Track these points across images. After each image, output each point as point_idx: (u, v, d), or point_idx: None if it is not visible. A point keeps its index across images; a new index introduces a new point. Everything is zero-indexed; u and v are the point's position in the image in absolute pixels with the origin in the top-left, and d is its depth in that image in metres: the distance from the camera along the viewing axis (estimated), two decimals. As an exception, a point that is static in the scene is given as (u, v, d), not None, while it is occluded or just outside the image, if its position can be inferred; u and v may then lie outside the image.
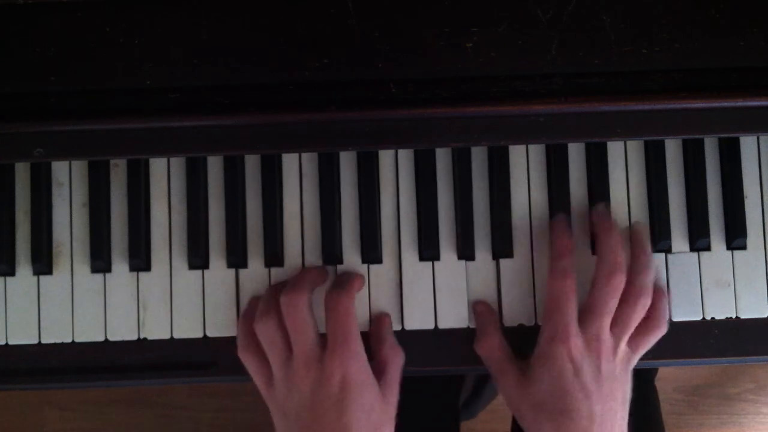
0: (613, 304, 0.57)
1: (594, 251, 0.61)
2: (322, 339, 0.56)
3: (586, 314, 0.57)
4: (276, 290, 0.58)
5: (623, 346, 0.57)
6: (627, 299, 0.58)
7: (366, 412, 0.54)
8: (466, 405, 1.18)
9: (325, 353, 0.55)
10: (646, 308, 0.58)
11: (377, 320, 0.60)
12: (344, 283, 0.58)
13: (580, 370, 0.55)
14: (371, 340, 0.59)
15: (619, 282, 0.57)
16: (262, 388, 0.58)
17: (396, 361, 0.58)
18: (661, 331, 0.59)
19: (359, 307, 0.61)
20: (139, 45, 0.54)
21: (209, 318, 0.61)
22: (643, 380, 0.85)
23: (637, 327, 0.58)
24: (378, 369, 0.57)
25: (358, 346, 0.55)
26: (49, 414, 1.38)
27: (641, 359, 0.60)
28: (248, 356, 0.58)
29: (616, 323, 0.57)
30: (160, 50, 0.54)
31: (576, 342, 0.56)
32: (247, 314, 0.59)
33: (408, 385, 0.77)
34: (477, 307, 0.60)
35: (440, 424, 0.84)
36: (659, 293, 0.60)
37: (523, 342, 0.59)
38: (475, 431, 1.34)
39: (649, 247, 0.60)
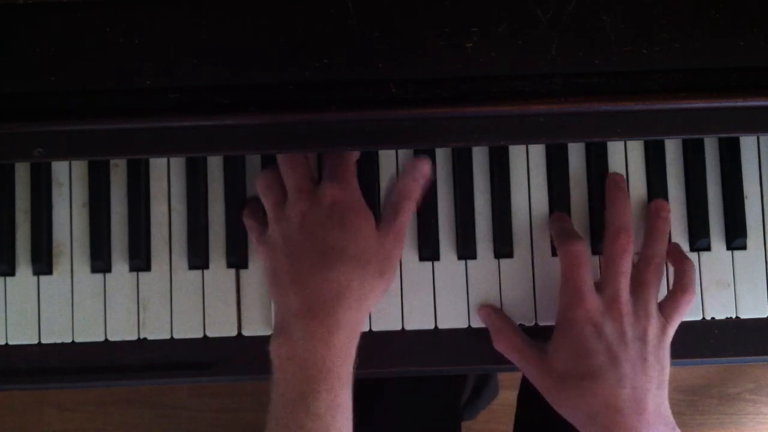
0: (625, 263, 0.56)
1: (594, 252, 0.61)
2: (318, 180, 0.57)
3: (602, 279, 0.57)
4: None
5: (652, 312, 0.56)
6: (639, 264, 0.57)
7: (354, 235, 0.54)
8: (466, 405, 1.18)
9: (319, 184, 0.55)
10: (662, 270, 0.57)
11: (410, 166, 0.59)
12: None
13: (602, 332, 0.54)
14: (396, 182, 0.59)
15: (626, 241, 0.56)
16: (255, 242, 0.58)
17: (405, 210, 0.57)
18: (691, 296, 0.58)
19: (359, 307, 0.61)
20: (139, 45, 0.54)
21: (209, 318, 0.61)
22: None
23: (667, 296, 0.58)
24: (386, 217, 0.57)
25: (352, 178, 0.56)
26: (49, 414, 1.38)
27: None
28: (245, 216, 0.59)
29: (635, 286, 0.56)
30: (160, 50, 0.54)
31: (593, 303, 0.54)
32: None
33: (408, 385, 0.78)
34: (481, 313, 0.60)
35: (441, 424, 0.84)
36: (686, 261, 0.59)
37: (523, 342, 0.59)
38: (475, 431, 1.34)
39: (667, 215, 0.59)
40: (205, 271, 0.61)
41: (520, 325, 0.61)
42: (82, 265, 0.61)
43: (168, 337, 0.61)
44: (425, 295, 0.61)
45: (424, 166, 0.59)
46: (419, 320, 0.61)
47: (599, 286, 0.56)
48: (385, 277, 0.56)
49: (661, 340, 0.56)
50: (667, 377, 0.56)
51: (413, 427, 0.78)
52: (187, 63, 0.54)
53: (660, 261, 0.58)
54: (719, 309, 0.61)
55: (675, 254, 0.60)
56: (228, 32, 0.54)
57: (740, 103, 0.54)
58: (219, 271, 0.61)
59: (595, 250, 0.61)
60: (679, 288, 0.58)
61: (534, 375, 0.57)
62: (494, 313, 0.60)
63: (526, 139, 0.57)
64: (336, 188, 0.55)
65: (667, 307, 0.57)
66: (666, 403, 0.56)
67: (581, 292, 0.55)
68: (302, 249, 0.54)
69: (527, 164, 0.62)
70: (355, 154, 0.58)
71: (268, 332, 0.60)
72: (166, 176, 0.62)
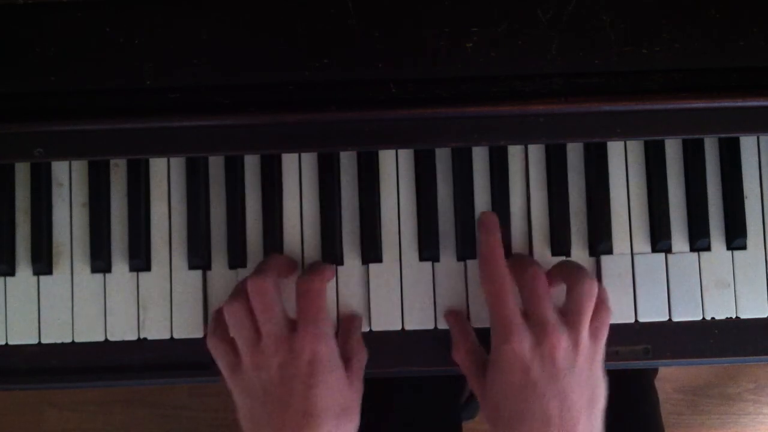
0: (542, 287, 0.54)
1: (591, 254, 0.61)
2: (291, 323, 0.56)
3: (526, 310, 0.55)
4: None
5: (584, 336, 0.54)
6: (571, 287, 0.55)
7: (333, 391, 0.54)
8: (466, 405, 1.18)
9: (295, 333, 0.54)
10: (594, 289, 0.55)
11: (346, 318, 0.60)
12: (315, 268, 0.58)
13: (530, 368, 0.52)
14: (339, 334, 0.59)
15: (534, 269, 0.55)
16: (226, 372, 0.57)
17: (361, 353, 0.58)
18: (610, 312, 0.57)
19: (359, 307, 0.61)
20: (139, 45, 0.54)
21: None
22: (643, 380, 0.85)
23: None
24: (343, 359, 0.57)
25: (328, 328, 0.55)
26: (49, 414, 1.38)
27: (637, 358, 0.60)
28: (214, 341, 0.57)
29: (568, 311, 0.54)
30: (160, 50, 0.54)
31: (521, 336, 0.53)
32: (221, 307, 0.59)
33: (409, 386, 0.78)
34: (447, 318, 0.60)
35: (442, 424, 0.84)
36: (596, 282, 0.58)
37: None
38: (475, 431, 1.34)
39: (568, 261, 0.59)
40: (205, 271, 0.61)
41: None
42: (82, 265, 0.61)
43: (168, 337, 0.61)
44: (425, 295, 0.61)
45: (359, 320, 0.60)
46: (419, 320, 0.61)
47: (525, 315, 0.54)
48: (355, 414, 0.56)
49: (590, 363, 0.54)
50: (601, 395, 0.55)
51: (414, 428, 0.78)
52: (187, 63, 0.54)
53: (592, 282, 0.55)
54: (719, 309, 0.61)
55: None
56: (228, 32, 0.54)
57: (740, 103, 0.54)
58: (219, 271, 0.61)
59: (593, 251, 0.61)
60: (603, 307, 0.56)
61: (478, 398, 0.57)
62: (456, 324, 0.60)
63: (526, 139, 0.57)
64: (314, 340, 0.54)
65: (594, 330, 0.55)
66: (598, 424, 0.54)
67: (508, 325, 0.53)
68: (284, 406, 0.53)
69: (527, 164, 0.62)
70: (325, 288, 0.57)
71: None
72: (166, 176, 0.62)
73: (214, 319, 0.58)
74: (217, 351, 0.57)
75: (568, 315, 0.54)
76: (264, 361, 0.54)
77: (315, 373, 0.53)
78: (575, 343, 0.53)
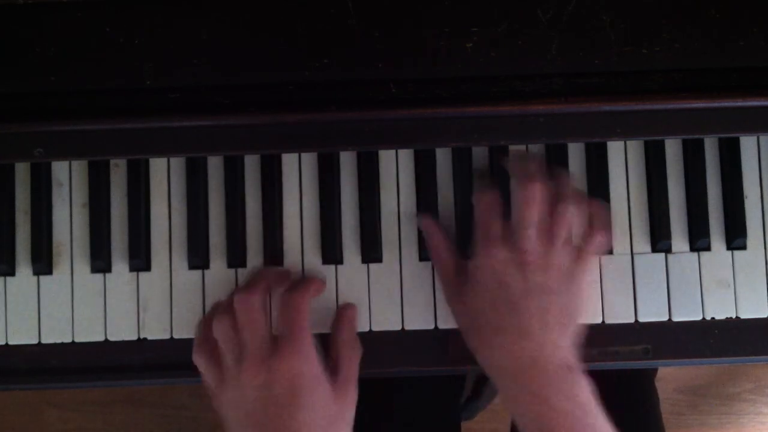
0: (532, 212, 0.55)
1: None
2: (276, 339, 0.56)
3: (511, 226, 0.56)
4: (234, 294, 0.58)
5: (557, 255, 0.55)
6: (551, 208, 0.56)
7: (316, 411, 0.54)
8: (465, 405, 1.18)
9: (276, 352, 0.54)
10: (574, 215, 0.56)
11: (338, 316, 0.60)
12: (300, 284, 0.58)
13: (504, 283, 0.54)
14: (332, 336, 0.59)
15: (535, 190, 0.55)
16: (211, 387, 0.57)
17: (350, 358, 0.58)
18: (603, 237, 0.57)
19: (359, 307, 0.61)
20: (139, 45, 0.54)
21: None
22: (643, 380, 0.85)
23: (582, 237, 0.57)
24: (334, 367, 0.57)
25: (307, 346, 0.55)
26: (49, 414, 1.38)
27: (637, 358, 0.60)
28: (199, 356, 0.57)
29: (544, 233, 0.55)
30: (160, 50, 0.54)
31: (498, 253, 0.54)
32: (207, 317, 0.59)
33: (409, 386, 0.77)
34: (423, 225, 0.60)
35: (441, 424, 0.84)
36: (599, 206, 0.59)
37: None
38: (475, 431, 1.34)
39: (567, 176, 0.59)
40: (205, 271, 0.61)
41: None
42: (82, 265, 0.61)
43: (168, 337, 0.61)
44: (425, 295, 0.61)
45: (352, 311, 0.60)
46: (419, 320, 0.61)
47: (510, 230, 0.56)
48: (343, 425, 0.56)
49: (567, 288, 0.55)
50: (574, 327, 0.55)
51: (414, 427, 0.78)
52: (187, 63, 0.54)
53: (570, 207, 0.56)
54: (719, 309, 0.61)
55: (589, 203, 0.59)
56: (228, 32, 0.54)
57: (740, 103, 0.54)
58: (219, 271, 0.61)
59: (595, 250, 0.61)
60: (594, 230, 0.57)
61: (452, 307, 0.58)
62: (436, 232, 0.59)
63: (526, 139, 0.57)
64: (294, 361, 0.54)
65: (579, 250, 0.56)
66: (570, 351, 0.55)
67: (487, 243, 0.55)
68: (264, 427, 0.54)
69: (527, 164, 0.62)
70: (308, 304, 0.57)
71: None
72: (166, 176, 0.62)
73: (199, 333, 0.58)
74: (201, 365, 0.58)
75: (544, 235, 0.55)
76: (247, 380, 0.54)
77: (295, 397, 0.54)
78: (547, 268, 0.55)
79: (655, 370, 0.94)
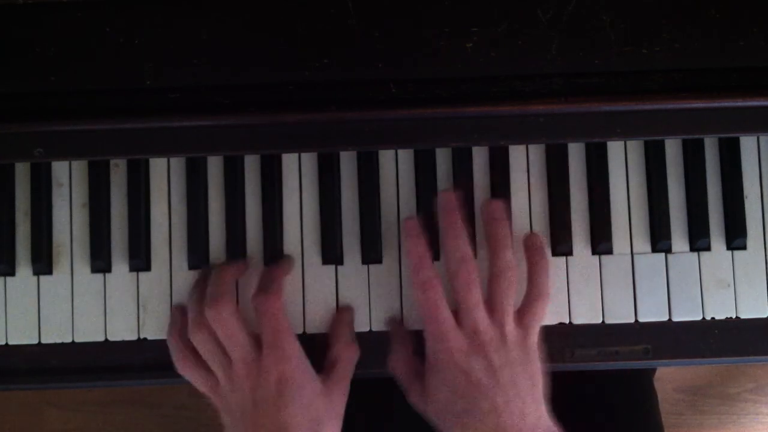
0: (474, 294, 0.55)
1: (594, 252, 0.61)
2: (259, 340, 0.56)
3: (458, 314, 0.56)
4: (200, 300, 0.58)
5: (510, 329, 0.56)
6: (490, 280, 0.57)
7: (305, 408, 0.55)
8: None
9: (261, 355, 0.56)
10: (514, 282, 0.56)
11: (337, 316, 0.61)
12: (270, 283, 0.58)
13: (469, 370, 0.55)
14: (328, 335, 0.60)
15: (468, 271, 0.56)
16: (209, 393, 0.58)
17: (346, 358, 0.59)
18: (543, 299, 0.58)
19: (359, 307, 0.61)
20: (139, 45, 0.54)
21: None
22: (641, 380, 0.85)
23: (523, 302, 0.58)
24: (327, 365, 0.58)
25: (290, 345, 0.56)
26: (49, 414, 1.38)
27: (637, 358, 0.60)
28: (187, 369, 0.58)
29: (492, 309, 0.56)
30: (160, 50, 0.54)
31: (456, 343, 0.55)
32: (174, 327, 0.59)
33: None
34: (389, 326, 0.61)
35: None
36: (541, 261, 0.59)
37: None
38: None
39: (503, 224, 0.58)
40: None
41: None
42: (82, 265, 0.61)
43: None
44: (425, 295, 0.61)
45: (348, 313, 0.60)
46: (419, 320, 0.61)
47: (456, 320, 0.56)
48: (332, 422, 0.57)
49: (525, 354, 0.56)
50: (540, 382, 0.56)
51: (416, 427, 0.78)
52: (186, 63, 0.54)
53: (511, 273, 0.57)
54: (719, 309, 0.61)
55: (530, 253, 0.59)
56: (228, 32, 0.54)
57: (740, 103, 0.54)
58: (219, 271, 0.61)
59: (594, 251, 0.61)
60: (535, 294, 0.58)
61: (417, 404, 0.59)
62: (395, 329, 0.60)
63: (526, 139, 0.57)
64: (279, 362, 0.55)
65: (524, 316, 0.57)
66: (542, 409, 0.56)
67: (442, 335, 0.55)
68: (257, 425, 0.55)
69: (527, 164, 0.62)
70: (282, 303, 0.57)
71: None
72: (166, 176, 0.62)
73: (177, 348, 0.59)
74: (193, 378, 0.59)
75: (493, 311, 0.56)
76: (238, 384, 0.56)
77: (283, 394, 0.55)
78: (504, 343, 0.55)
79: (653, 370, 0.94)
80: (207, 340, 0.57)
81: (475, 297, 0.56)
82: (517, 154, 0.62)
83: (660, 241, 0.61)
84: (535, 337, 0.57)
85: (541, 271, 0.58)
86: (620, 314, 0.61)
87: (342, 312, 0.61)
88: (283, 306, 0.57)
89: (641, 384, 0.84)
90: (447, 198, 0.58)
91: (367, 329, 0.61)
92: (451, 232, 0.57)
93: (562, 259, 0.61)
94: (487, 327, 0.55)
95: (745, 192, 0.61)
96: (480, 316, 0.55)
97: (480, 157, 0.62)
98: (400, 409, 0.77)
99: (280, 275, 0.59)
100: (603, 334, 0.60)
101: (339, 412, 0.58)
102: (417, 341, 0.59)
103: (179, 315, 0.60)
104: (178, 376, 0.61)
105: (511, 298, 0.57)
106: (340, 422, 0.58)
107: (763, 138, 0.61)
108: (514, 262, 0.57)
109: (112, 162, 0.61)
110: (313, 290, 0.61)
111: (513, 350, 0.56)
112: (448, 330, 0.55)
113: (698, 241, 0.61)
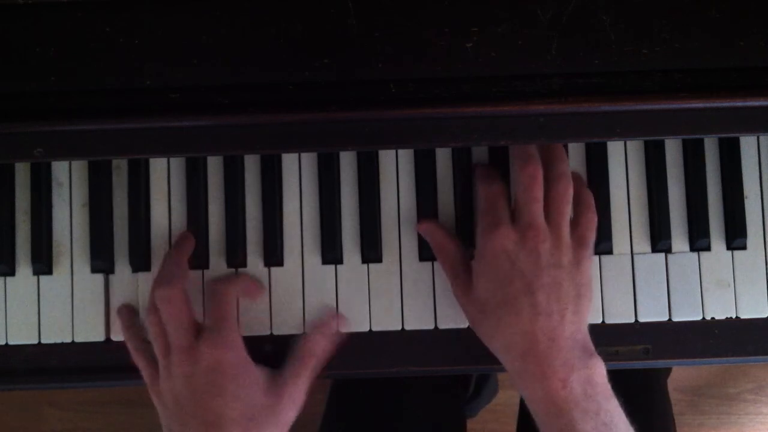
0: (535, 190, 0.56)
1: (596, 252, 0.61)
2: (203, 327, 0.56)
3: (516, 208, 0.57)
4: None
5: (565, 232, 0.56)
6: (549, 185, 0.57)
7: (239, 400, 0.54)
8: (467, 403, 1.18)
9: (200, 341, 0.55)
10: (571, 190, 0.57)
11: (323, 317, 0.60)
12: (232, 277, 0.59)
13: (516, 260, 0.54)
14: (307, 330, 0.59)
15: (534, 169, 0.56)
16: (148, 384, 0.58)
17: (302, 359, 0.57)
18: (594, 214, 0.58)
19: (360, 307, 0.61)
20: (139, 45, 0.54)
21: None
22: (652, 383, 0.84)
23: (573, 220, 0.58)
24: (287, 360, 0.57)
25: (231, 335, 0.55)
26: (49, 414, 1.38)
27: (637, 358, 0.60)
28: (137, 357, 0.58)
29: (549, 211, 0.56)
30: (160, 50, 0.54)
31: (507, 232, 0.55)
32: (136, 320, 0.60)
33: (416, 385, 0.77)
34: (422, 228, 0.60)
35: (448, 423, 0.84)
36: (579, 181, 0.59)
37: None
38: (476, 431, 1.34)
39: (558, 146, 0.59)
40: (205, 271, 0.61)
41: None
42: (82, 265, 0.61)
43: (168, 337, 0.61)
44: (425, 295, 0.61)
45: (335, 323, 0.59)
46: (419, 320, 0.61)
47: (514, 215, 0.56)
48: (271, 420, 0.55)
49: (577, 264, 0.56)
50: (586, 303, 0.56)
51: (418, 427, 0.78)
52: (187, 63, 0.54)
53: (567, 180, 0.57)
54: (719, 309, 0.61)
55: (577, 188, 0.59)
56: (228, 32, 0.54)
57: (740, 103, 0.54)
58: (219, 271, 0.61)
59: (595, 250, 0.61)
60: (583, 207, 0.58)
61: (461, 302, 0.58)
62: (436, 230, 0.60)
63: (526, 139, 0.57)
64: (216, 348, 0.54)
65: (578, 226, 0.57)
66: (584, 329, 0.55)
67: (496, 223, 0.55)
68: (189, 415, 0.54)
69: (527, 164, 0.62)
70: (235, 295, 0.57)
71: (267, 332, 0.60)
72: (166, 176, 0.62)
73: (127, 336, 0.59)
74: (139, 364, 0.58)
75: (548, 214, 0.56)
76: (173, 372, 0.55)
77: (216, 383, 0.54)
78: (557, 240, 0.55)
79: (666, 374, 0.93)
80: (153, 322, 0.56)
81: (537, 192, 0.56)
82: (517, 154, 0.62)
83: (660, 241, 0.61)
84: (588, 250, 0.57)
85: (583, 190, 0.59)
86: (620, 314, 0.61)
87: (327, 318, 0.60)
88: (233, 297, 0.57)
89: (648, 389, 0.83)
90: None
91: (368, 329, 0.61)
92: (522, 147, 0.58)
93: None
94: (542, 223, 0.55)
95: (745, 192, 0.61)
96: (537, 211, 0.55)
97: (480, 157, 0.62)
98: (409, 408, 0.77)
99: (244, 276, 0.59)
100: (603, 333, 0.60)
101: (285, 415, 0.56)
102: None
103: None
104: (178, 376, 0.61)
105: (569, 204, 0.57)
106: (285, 427, 0.56)
107: (763, 138, 0.62)
108: (569, 172, 0.57)
109: (113, 162, 0.61)
110: (312, 290, 0.61)
111: (565, 255, 0.55)
112: (503, 219, 0.56)
113: (698, 241, 0.61)
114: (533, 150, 0.58)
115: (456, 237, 0.60)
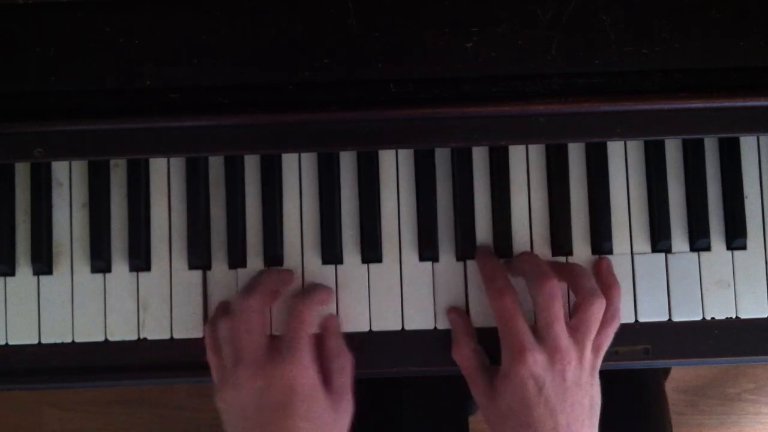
0: (556, 309, 0.55)
1: (594, 252, 0.61)
2: (274, 342, 0.56)
3: (538, 328, 0.56)
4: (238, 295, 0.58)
5: (588, 352, 0.56)
6: (581, 305, 0.56)
7: (310, 420, 0.54)
8: (468, 402, 1.18)
9: (276, 357, 0.55)
10: (603, 309, 0.57)
11: (321, 328, 0.60)
12: (308, 292, 0.59)
13: (543, 386, 0.55)
14: (319, 347, 0.58)
15: (552, 287, 0.56)
16: (215, 385, 0.58)
17: (342, 368, 0.58)
18: (617, 323, 0.58)
19: (360, 307, 0.61)
20: (139, 45, 0.54)
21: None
22: (648, 387, 0.84)
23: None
24: (326, 378, 0.57)
25: (305, 356, 0.55)
26: (49, 414, 1.38)
27: (637, 358, 0.60)
28: (209, 354, 0.58)
29: (576, 330, 0.56)
30: (160, 50, 0.54)
31: (535, 357, 0.55)
32: (214, 317, 0.60)
33: (418, 384, 0.77)
34: (450, 315, 0.60)
35: (450, 422, 0.84)
36: (614, 287, 0.59)
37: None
38: (476, 431, 1.34)
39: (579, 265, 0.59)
40: (205, 271, 0.61)
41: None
42: (82, 265, 0.61)
43: (168, 337, 0.61)
44: (425, 295, 0.61)
45: (332, 320, 0.60)
46: (419, 320, 0.61)
47: (536, 333, 0.56)
48: (340, 423, 0.56)
49: (591, 373, 0.57)
50: (597, 410, 0.57)
51: (424, 426, 0.78)
52: (187, 63, 0.54)
53: (600, 302, 0.56)
54: (719, 309, 0.61)
55: (605, 276, 0.60)
56: (228, 32, 0.54)
57: (740, 103, 0.54)
58: (219, 271, 0.61)
59: (594, 251, 0.61)
60: (610, 318, 0.58)
61: (478, 399, 0.58)
62: (459, 321, 0.60)
63: (526, 139, 0.57)
64: (291, 370, 0.54)
65: (597, 341, 0.57)
66: (596, 424, 0.57)
67: (522, 347, 0.55)
68: (256, 428, 0.54)
69: (527, 164, 0.62)
70: (312, 314, 0.58)
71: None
72: (166, 176, 0.62)
73: (209, 335, 0.59)
74: (212, 364, 0.58)
75: (576, 333, 0.56)
76: (242, 383, 0.55)
77: (289, 405, 0.54)
78: (580, 360, 0.56)
79: (665, 375, 0.93)
80: (226, 328, 0.56)
81: (559, 311, 0.56)
82: (517, 154, 0.62)
83: (660, 241, 0.61)
84: (602, 355, 0.58)
85: (615, 297, 0.59)
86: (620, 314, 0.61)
87: (327, 321, 0.60)
88: (311, 317, 0.57)
89: (646, 391, 0.83)
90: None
91: (368, 329, 0.61)
92: (525, 256, 0.59)
93: (562, 259, 0.61)
94: (568, 345, 0.55)
95: (745, 192, 0.61)
96: (562, 332, 0.55)
97: (480, 157, 0.62)
98: (410, 407, 0.77)
99: (322, 289, 0.60)
100: (603, 334, 0.60)
101: (344, 424, 0.57)
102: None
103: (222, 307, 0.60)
104: (178, 376, 0.61)
105: (597, 323, 0.56)
106: None
107: (763, 138, 0.62)
108: (599, 289, 0.57)
109: (112, 162, 0.61)
110: (313, 290, 0.61)
111: (585, 372, 0.56)
112: (528, 343, 0.55)
113: (698, 241, 0.61)
114: (545, 265, 0.57)
115: (476, 340, 0.60)
